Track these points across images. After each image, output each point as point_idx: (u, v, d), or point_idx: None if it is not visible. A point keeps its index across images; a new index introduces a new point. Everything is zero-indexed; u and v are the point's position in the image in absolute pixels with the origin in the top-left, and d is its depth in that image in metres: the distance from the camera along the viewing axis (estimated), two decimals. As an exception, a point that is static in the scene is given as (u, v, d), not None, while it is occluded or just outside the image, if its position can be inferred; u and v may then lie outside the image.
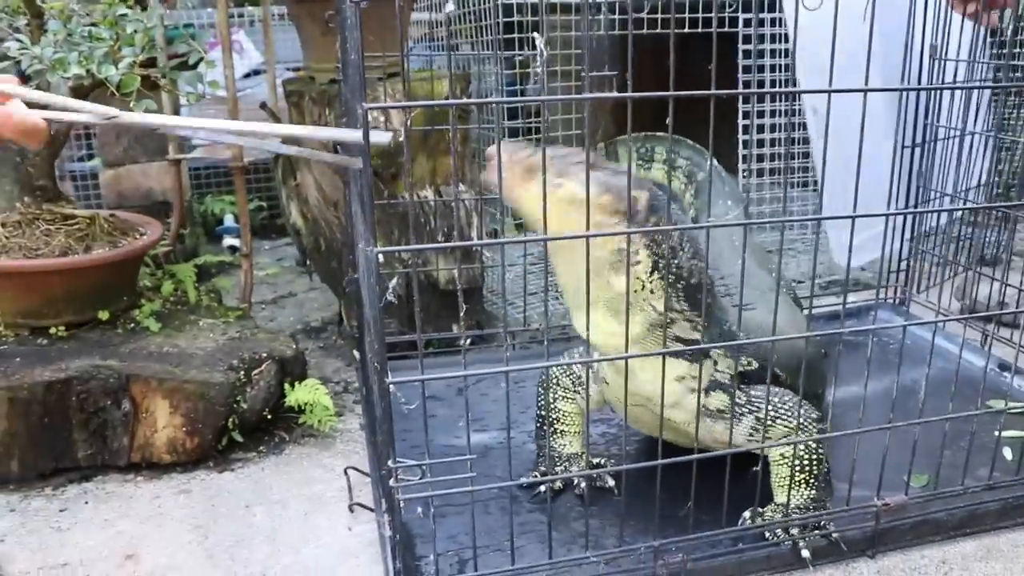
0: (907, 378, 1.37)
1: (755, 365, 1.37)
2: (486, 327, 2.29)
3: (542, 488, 1.51)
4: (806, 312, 1.63)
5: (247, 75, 4.34)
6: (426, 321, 2.05)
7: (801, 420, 1.34)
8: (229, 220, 3.38)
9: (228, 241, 3.27)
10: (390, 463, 1.17)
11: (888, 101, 1.17)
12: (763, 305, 1.42)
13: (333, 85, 2.09)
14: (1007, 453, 1.58)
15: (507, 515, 1.34)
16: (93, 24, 1.95)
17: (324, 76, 2.15)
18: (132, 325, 1.94)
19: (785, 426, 1.34)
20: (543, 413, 1.57)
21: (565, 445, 1.57)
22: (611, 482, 1.53)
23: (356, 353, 2.12)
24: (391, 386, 1.12)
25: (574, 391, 1.54)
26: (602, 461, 1.58)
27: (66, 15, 1.99)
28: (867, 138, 1.13)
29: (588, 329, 1.29)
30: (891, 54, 1.14)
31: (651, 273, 1.25)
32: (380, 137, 0.99)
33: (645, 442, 1.71)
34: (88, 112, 1.09)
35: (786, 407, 1.34)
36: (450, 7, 0.89)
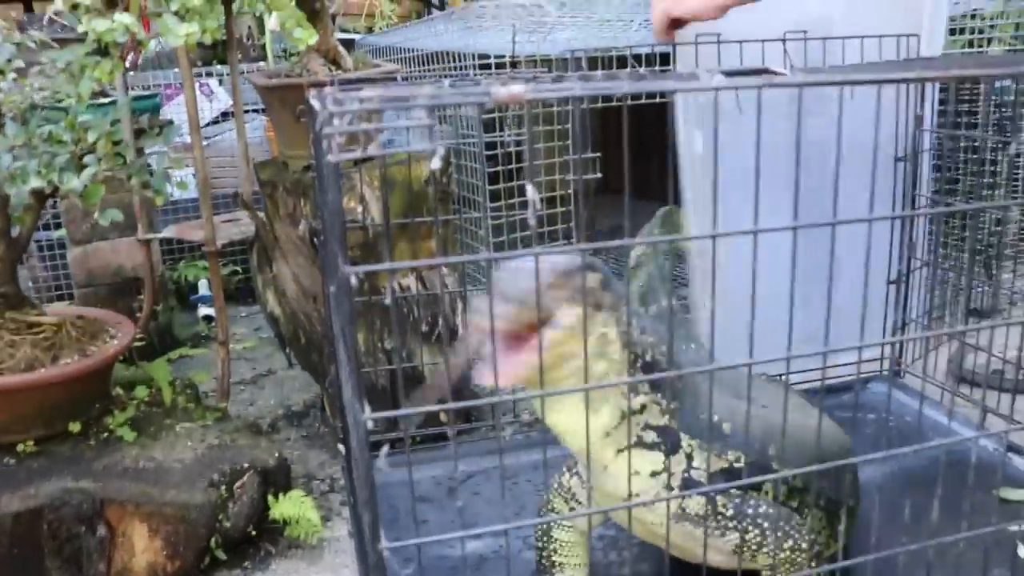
0: (909, 463, 1.30)
1: (745, 460, 1.27)
2: (474, 413, 2.21)
3: None
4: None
5: (215, 120, 4.24)
6: (413, 412, 1.97)
7: (790, 552, 1.25)
8: (204, 288, 3.27)
9: (203, 311, 3.17)
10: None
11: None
12: (764, 400, 1.33)
13: (307, 173, 2.02)
14: (1022, 552, 1.53)
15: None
16: (56, 116, 1.86)
17: (298, 163, 2.08)
18: (105, 435, 1.85)
19: (769, 555, 1.25)
20: (540, 545, 1.39)
21: None
22: None
23: (341, 447, 2.04)
24: (386, 552, 1.04)
25: (570, 510, 1.35)
26: None
27: (24, 108, 1.91)
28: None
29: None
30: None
31: (621, 351, 1.17)
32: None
33: (647, 548, 1.63)
34: None
35: (780, 531, 1.24)
36: (436, 163, 0.83)
